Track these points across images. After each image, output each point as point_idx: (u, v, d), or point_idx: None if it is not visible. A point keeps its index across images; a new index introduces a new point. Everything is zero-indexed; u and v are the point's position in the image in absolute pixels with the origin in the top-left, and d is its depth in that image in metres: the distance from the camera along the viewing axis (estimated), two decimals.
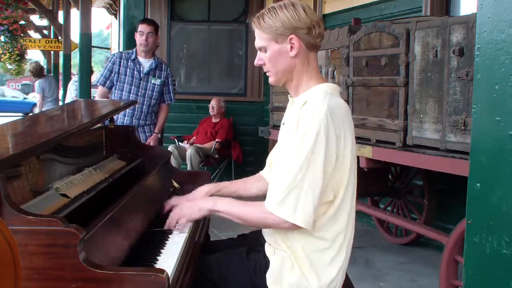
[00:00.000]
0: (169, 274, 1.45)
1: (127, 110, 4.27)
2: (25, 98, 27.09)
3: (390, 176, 4.48)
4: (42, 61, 15.10)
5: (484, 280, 1.34)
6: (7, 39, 11.95)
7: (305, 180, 1.61)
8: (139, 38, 4.28)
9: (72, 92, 8.35)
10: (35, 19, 15.43)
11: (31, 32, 14.71)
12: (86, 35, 7.51)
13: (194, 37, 7.58)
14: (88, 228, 1.46)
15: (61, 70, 13.33)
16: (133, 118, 4.32)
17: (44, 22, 15.60)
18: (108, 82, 4.31)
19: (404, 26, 3.38)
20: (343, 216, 1.73)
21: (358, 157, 3.45)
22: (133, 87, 4.29)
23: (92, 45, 8.37)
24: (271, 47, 1.75)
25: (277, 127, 4.97)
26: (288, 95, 1.87)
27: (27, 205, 1.59)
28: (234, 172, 6.88)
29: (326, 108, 1.64)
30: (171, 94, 4.48)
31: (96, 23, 48.81)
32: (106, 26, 19.41)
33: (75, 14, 10.35)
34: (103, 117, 2.36)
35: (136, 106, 4.26)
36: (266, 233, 1.83)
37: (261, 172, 2.11)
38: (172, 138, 6.75)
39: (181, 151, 6.37)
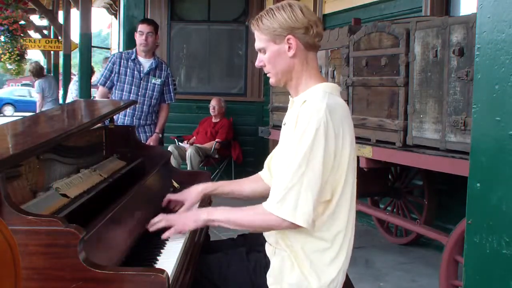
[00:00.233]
0: (169, 274, 1.45)
1: (128, 110, 4.26)
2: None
3: (390, 176, 4.48)
4: (42, 61, 15.07)
5: (484, 280, 1.34)
6: (7, 39, 11.93)
7: (304, 177, 1.61)
8: (139, 38, 4.28)
9: (73, 92, 8.33)
10: (35, 19, 15.45)
11: (31, 32, 14.70)
12: (86, 35, 7.51)
13: (194, 37, 7.58)
14: (88, 228, 1.46)
15: (61, 70, 13.32)
16: (134, 118, 4.32)
17: (44, 22, 15.58)
18: (108, 82, 4.31)
19: (404, 26, 3.38)
20: (342, 215, 1.73)
21: (358, 157, 3.45)
22: (133, 87, 4.28)
23: (92, 45, 8.37)
24: (270, 48, 1.76)
25: (277, 127, 4.97)
26: (289, 95, 1.87)
27: (27, 205, 1.59)
28: (234, 172, 6.88)
29: (325, 106, 1.64)
30: (172, 94, 4.47)
31: (96, 23, 48.82)
32: (107, 26, 19.38)
33: (75, 14, 10.34)
34: (103, 117, 2.36)
35: (137, 106, 4.26)
36: (266, 233, 1.83)
37: (259, 173, 2.10)
38: (172, 138, 6.75)
39: (181, 151, 6.37)
